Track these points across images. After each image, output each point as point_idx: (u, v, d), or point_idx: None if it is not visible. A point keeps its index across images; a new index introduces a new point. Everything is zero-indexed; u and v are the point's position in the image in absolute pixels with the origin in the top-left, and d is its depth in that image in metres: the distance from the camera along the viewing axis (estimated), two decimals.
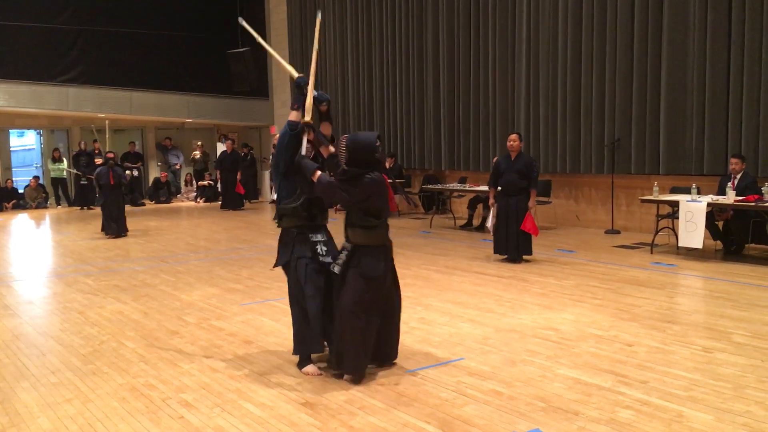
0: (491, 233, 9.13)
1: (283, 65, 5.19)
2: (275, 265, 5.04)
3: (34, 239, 12.57)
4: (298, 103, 4.86)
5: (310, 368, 4.80)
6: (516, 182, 8.72)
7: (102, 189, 12.57)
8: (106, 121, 15.58)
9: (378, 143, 4.58)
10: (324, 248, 4.91)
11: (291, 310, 4.95)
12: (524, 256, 8.88)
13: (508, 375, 4.67)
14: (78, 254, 10.47)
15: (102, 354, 5.38)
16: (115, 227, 12.32)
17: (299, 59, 19.44)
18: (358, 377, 4.58)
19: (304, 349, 4.85)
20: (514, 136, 8.91)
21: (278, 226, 5.00)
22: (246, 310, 6.70)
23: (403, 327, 5.87)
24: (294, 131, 4.78)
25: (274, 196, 5.30)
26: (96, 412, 4.19)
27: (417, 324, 6.01)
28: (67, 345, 5.65)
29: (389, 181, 4.74)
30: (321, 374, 4.75)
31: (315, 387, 4.53)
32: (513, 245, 8.80)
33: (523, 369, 4.79)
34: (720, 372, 4.64)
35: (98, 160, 18.98)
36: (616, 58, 11.28)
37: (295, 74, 4.97)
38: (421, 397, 4.30)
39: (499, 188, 8.91)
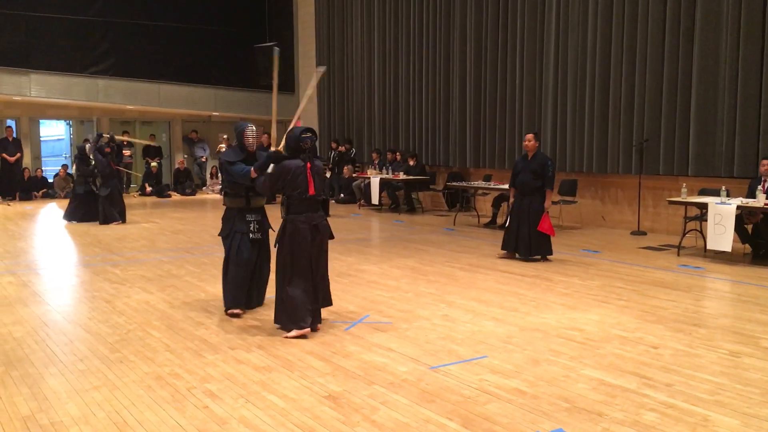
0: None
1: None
2: (219, 234, 6.37)
3: (62, 228, 12.75)
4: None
5: (235, 311, 6.22)
6: (530, 182, 8.81)
7: (105, 179, 12.85)
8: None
9: (305, 135, 5.51)
10: (256, 226, 6.24)
11: (224, 270, 6.27)
12: (548, 257, 8.87)
13: (532, 374, 4.65)
14: (105, 244, 10.61)
15: (129, 343, 5.46)
16: (118, 215, 12.92)
17: (326, 54, 19.52)
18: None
19: (235, 304, 6.23)
20: (530, 136, 9.02)
21: (223, 204, 6.36)
22: (270, 302, 6.73)
23: (426, 323, 5.93)
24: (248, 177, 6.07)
25: None
26: (123, 400, 4.25)
27: (440, 321, 6.01)
28: (94, 333, 5.74)
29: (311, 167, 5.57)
30: (240, 315, 6.19)
31: (338, 380, 4.55)
32: (524, 244, 8.84)
33: (546, 368, 4.77)
34: (747, 377, 4.58)
35: (126, 152, 19.28)
36: (647, 57, 11.14)
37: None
38: (443, 394, 4.30)
39: (516, 188, 9.05)
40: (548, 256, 8.88)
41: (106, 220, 12.89)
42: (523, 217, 8.81)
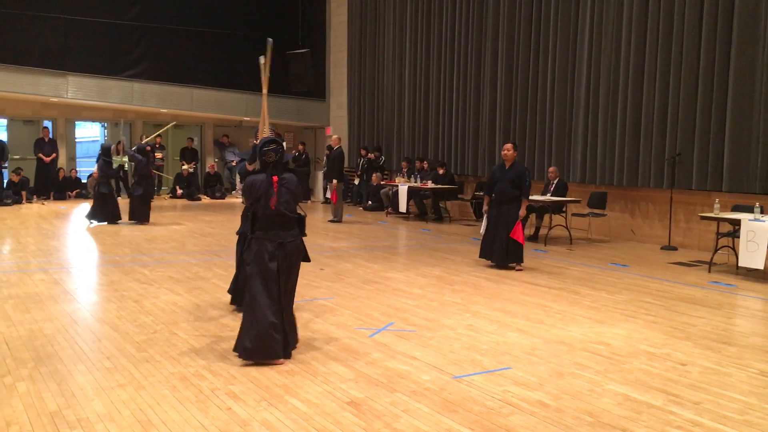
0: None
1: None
2: (237, 233, 6.65)
3: (93, 228, 12.95)
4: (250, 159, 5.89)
5: None
6: (507, 191, 8.99)
7: (141, 179, 13.44)
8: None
9: (267, 148, 5.09)
10: None
11: (238, 268, 6.44)
12: (516, 265, 9.01)
13: (556, 387, 4.61)
14: (135, 244, 10.75)
15: (155, 342, 5.52)
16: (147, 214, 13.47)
17: (357, 62, 19.60)
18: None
19: None
20: (508, 146, 9.19)
21: (242, 203, 6.64)
22: (295, 308, 6.75)
23: (450, 333, 5.90)
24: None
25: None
26: (148, 399, 4.30)
27: (465, 331, 5.99)
28: (122, 332, 5.82)
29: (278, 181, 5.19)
30: None
31: (361, 387, 4.55)
32: (500, 252, 9.01)
33: (571, 382, 4.72)
34: None
35: (158, 155, 19.55)
36: (681, 70, 11.01)
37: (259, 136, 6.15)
38: (466, 404, 4.28)
39: (494, 196, 9.21)
40: (517, 265, 9.02)
41: (137, 219, 13.30)
42: (500, 225, 8.99)
